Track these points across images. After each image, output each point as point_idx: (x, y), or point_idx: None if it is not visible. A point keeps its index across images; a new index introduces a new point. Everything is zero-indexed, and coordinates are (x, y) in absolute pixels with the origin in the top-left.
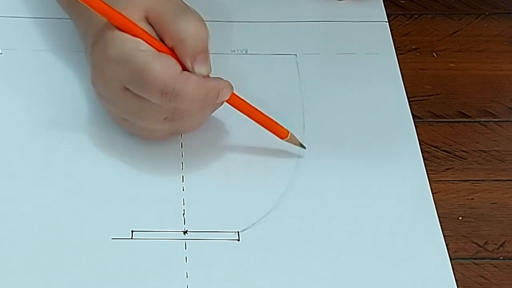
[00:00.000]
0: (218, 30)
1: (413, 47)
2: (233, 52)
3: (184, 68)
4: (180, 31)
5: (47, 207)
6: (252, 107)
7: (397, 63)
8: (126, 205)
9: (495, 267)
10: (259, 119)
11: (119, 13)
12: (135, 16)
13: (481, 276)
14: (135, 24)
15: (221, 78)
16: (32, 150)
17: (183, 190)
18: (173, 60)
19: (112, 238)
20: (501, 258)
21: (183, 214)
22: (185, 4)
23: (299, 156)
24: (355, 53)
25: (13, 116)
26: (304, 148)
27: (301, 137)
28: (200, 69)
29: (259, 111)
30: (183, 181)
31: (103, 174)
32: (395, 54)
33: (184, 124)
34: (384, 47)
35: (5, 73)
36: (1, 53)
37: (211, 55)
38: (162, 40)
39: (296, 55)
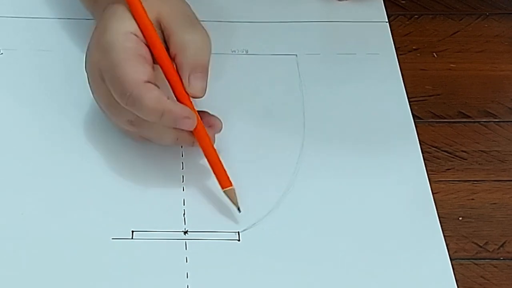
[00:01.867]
0: (218, 30)
1: (414, 47)
2: (233, 52)
3: (177, 90)
4: (184, 40)
5: (47, 207)
6: (213, 149)
7: (397, 63)
8: (126, 205)
9: (495, 267)
10: (213, 162)
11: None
12: (148, 12)
13: (481, 277)
14: (148, 19)
15: (191, 110)
16: (32, 150)
17: (183, 190)
18: (146, 68)
19: (112, 238)
20: (501, 258)
21: (183, 214)
22: (197, 19)
23: (299, 156)
24: (355, 53)
25: (13, 116)
26: (239, 211)
27: (301, 137)
28: (195, 82)
29: (217, 155)
30: (183, 181)
31: (103, 174)
32: (395, 54)
33: (148, 133)
34: (384, 47)
35: (5, 73)
36: (1, 53)
37: (211, 55)
38: (166, 47)
39: (296, 55)
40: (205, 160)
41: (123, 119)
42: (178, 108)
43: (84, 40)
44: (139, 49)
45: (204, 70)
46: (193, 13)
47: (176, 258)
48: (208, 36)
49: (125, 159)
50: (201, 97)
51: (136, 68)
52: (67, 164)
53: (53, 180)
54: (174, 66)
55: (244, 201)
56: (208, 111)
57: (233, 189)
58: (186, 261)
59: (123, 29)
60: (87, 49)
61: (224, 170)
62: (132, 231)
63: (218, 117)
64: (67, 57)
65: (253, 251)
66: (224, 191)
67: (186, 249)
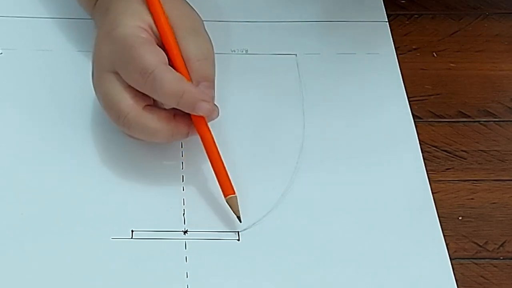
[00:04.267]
0: (218, 30)
1: (413, 47)
2: (233, 52)
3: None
4: (187, 53)
5: (47, 207)
6: (217, 150)
7: (397, 63)
8: (126, 205)
9: (495, 267)
10: (216, 166)
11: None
12: None
13: (481, 276)
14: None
15: (208, 95)
16: (32, 150)
17: (183, 190)
18: (164, 54)
19: (112, 238)
20: (501, 258)
21: (183, 214)
22: (202, 24)
23: (299, 156)
24: (355, 53)
25: (13, 116)
26: (240, 221)
27: (301, 137)
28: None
29: (220, 158)
30: (183, 181)
31: (103, 174)
32: (395, 54)
33: (138, 133)
34: (384, 47)
35: (5, 73)
36: (1, 53)
37: None
38: None
39: (296, 55)
40: (205, 159)
41: (117, 114)
42: (198, 90)
43: (84, 40)
44: (152, 40)
45: (208, 80)
46: (201, 20)
47: (176, 258)
48: (210, 43)
49: (125, 159)
50: None
51: (155, 51)
52: (67, 164)
53: (52, 179)
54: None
55: (244, 201)
56: None
57: (235, 198)
58: (186, 261)
59: (135, 23)
60: (95, 45)
61: (228, 177)
62: (132, 231)
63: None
64: (67, 57)
65: (253, 251)
66: (226, 200)
67: (185, 248)
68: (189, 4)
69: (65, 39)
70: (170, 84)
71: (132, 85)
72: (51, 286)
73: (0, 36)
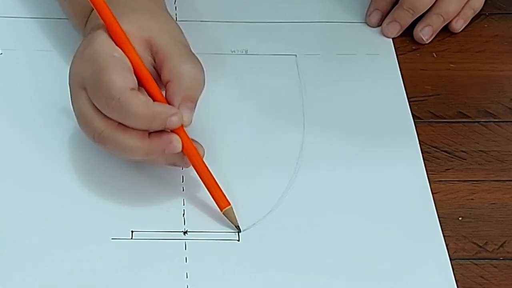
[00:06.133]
0: (218, 30)
1: (413, 47)
2: (233, 52)
3: (157, 99)
4: (182, 70)
5: (47, 207)
6: (205, 165)
7: (397, 63)
8: (126, 205)
9: (495, 267)
10: (207, 181)
11: (119, 25)
12: (136, 34)
13: (481, 277)
14: (129, 41)
15: (175, 108)
16: (32, 150)
17: (183, 190)
18: (133, 77)
19: (112, 238)
20: (501, 258)
21: (183, 214)
22: (190, 48)
23: (298, 157)
24: (355, 54)
25: (13, 116)
26: (239, 230)
27: (301, 137)
28: (184, 111)
29: (210, 173)
30: (183, 181)
31: (103, 174)
32: (395, 54)
33: (112, 148)
34: (384, 48)
35: (5, 73)
36: (1, 53)
37: (211, 55)
38: (158, 71)
39: (296, 55)
40: (205, 159)
41: (91, 132)
42: (165, 108)
43: None
44: (126, 61)
45: (194, 101)
46: (187, 41)
47: (176, 258)
48: (203, 69)
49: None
50: (186, 126)
51: (123, 76)
52: (67, 163)
53: (53, 180)
54: (158, 86)
55: (244, 201)
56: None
57: (231, 209)
58: (186, 261)
59: (110, 41)
60: (71, 63)
61: (220, 189)
62: (132, 231)
63: (219, 110)
64: (67, 57)
65: (253, 251)
66: (223, 213)
67: (185, 249)
68: (173, 20)
69: (65, 39)
70: (137, 110)
71: (99, 109)
72: (52, 286)
73: (0, 36)
